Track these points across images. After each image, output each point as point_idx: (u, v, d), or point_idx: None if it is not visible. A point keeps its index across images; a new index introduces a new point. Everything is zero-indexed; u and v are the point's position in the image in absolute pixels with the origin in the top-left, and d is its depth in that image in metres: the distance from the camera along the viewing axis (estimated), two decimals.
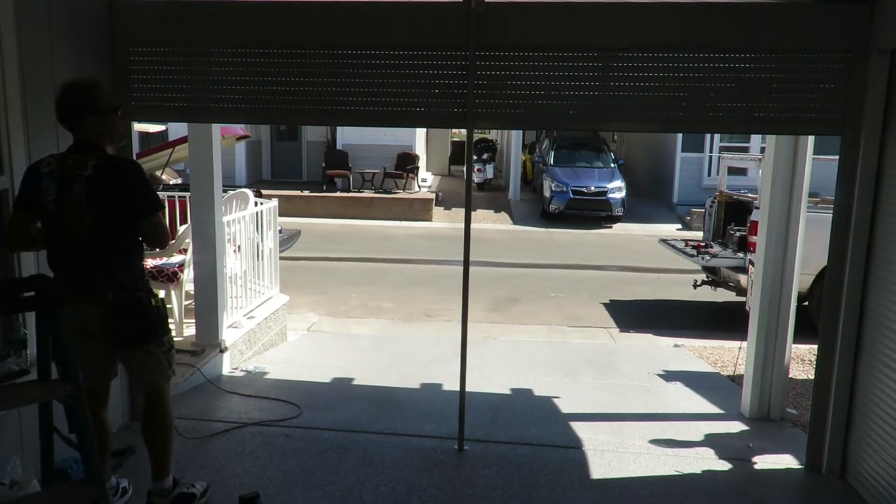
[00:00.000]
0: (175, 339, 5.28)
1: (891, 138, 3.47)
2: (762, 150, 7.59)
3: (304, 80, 3.87)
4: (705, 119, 3.86)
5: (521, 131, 20.67)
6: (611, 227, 16.26)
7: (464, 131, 3.84)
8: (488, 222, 16.52)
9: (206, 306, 5.25)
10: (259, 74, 3.87)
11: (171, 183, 10.06)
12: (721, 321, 8.33)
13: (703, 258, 8.37)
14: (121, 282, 2.89)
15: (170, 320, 5.04)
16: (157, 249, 4.92)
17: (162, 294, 5.56)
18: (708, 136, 17.07)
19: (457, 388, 4.08)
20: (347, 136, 18.19)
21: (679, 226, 16.45)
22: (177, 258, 5.76)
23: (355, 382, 5.37)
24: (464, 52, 3.71)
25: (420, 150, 19.44)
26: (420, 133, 19.61)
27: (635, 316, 8.76)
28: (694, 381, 5.70)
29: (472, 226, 4.08)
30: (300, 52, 3.85)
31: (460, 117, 3.84)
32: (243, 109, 4.02)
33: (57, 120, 2.87)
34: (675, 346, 7.09)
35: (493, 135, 28.36)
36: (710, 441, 4.31)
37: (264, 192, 8.73)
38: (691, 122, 3.94)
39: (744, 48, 3.63)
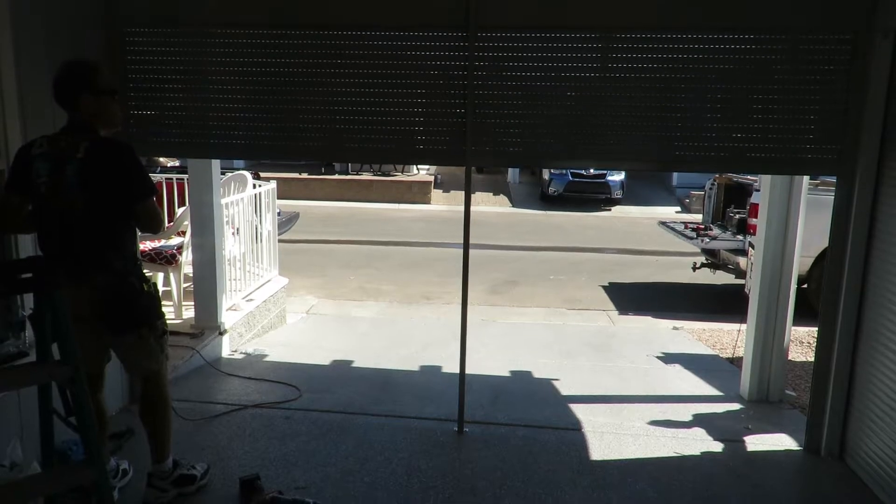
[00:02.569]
0: (174, 321, 5.34)
1: (894, 119, 3.44)
2: None
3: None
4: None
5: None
6: (610, 210, 16.27)
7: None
8: (487, 205, 16.51)
9: (205, 289, 5.25)
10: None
11: (168, 165, 10.02)
12: (720, 304, 8.35)
13: (702, 241, 8.37)
14: (112, 266, 2.84)
15: (169, 303, 5.08)
16: (152, 234, 4.89)
17: (160, 276, 5.57)
18: None
19: (456, 370, 4.08)
20: None
21: (678, 208, 16.47)
22: (175, 240, 5.75)
23: (355, 365, 5.38)
24: (464, 32, 3.67)
25: None
26: None
27: (634, 298, 8.77)
28: (693, 363, 5.72)
29: (471, 209, 4.05)
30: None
31: (460, 154, 3.82)
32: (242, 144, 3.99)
33: (53, 99, 2.83)
34: (675, 328, 7.10)
35: None
36: (709, 423, 4.32)
37: (262, 174, 8.69)
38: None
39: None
